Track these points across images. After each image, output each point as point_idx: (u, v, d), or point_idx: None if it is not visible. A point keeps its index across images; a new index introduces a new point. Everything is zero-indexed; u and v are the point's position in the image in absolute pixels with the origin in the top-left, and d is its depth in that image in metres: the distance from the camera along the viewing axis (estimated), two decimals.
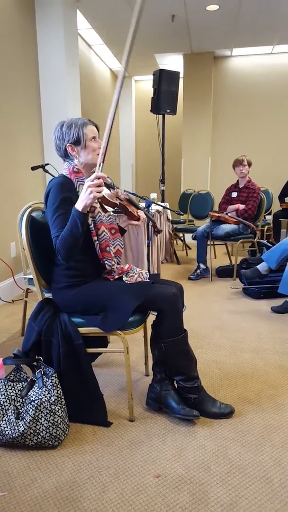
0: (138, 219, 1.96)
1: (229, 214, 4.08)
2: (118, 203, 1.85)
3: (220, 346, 2.50)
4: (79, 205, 1.52)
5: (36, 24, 3.86)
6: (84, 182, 1.71)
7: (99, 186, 1.48)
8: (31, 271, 1.88)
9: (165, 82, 4.93)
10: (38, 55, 3.93)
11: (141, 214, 1.98)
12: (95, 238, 1.75)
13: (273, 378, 2.11)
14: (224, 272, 4.22)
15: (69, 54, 3.99)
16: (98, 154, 1.70)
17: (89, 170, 1.83)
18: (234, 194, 4.27)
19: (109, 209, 1.94)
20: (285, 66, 6.02)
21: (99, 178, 1.48)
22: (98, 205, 1.78)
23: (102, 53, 5.94)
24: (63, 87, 3.96)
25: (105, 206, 1.90)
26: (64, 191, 1.67)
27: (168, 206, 4.73)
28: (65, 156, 1.79)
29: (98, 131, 1.82)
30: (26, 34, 3.71)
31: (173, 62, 6.39)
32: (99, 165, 1.53)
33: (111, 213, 1.94)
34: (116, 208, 1.88)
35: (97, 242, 1.76)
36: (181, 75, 6.36)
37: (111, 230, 1.86)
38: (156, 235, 3.13)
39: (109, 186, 1.87)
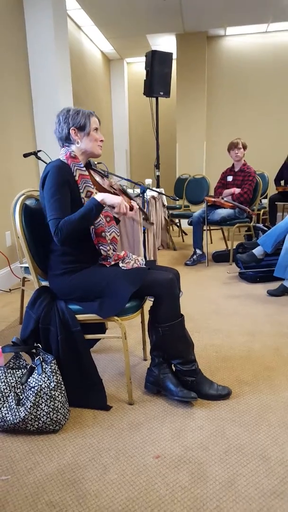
0: (131, 209, 1.97)
1: (225, 199, 4.08)
2: (112, 192, 1.86)
3: (216, 330, 2.53)
4: (100, 197, 1.64)
5: (23, 4, 3.77)
6: (80, 168, 1.76)
7: (127, 207, 1.70)
8: (26, 260, 1.88)
9: (157, 63, 4.85)
10: (27, 37, 3.84)
11: (134, 204, 1.98)
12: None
13: (269, 360, 2.14)
14: (220, 257, 4.24)
15: (59, 35, 3.91)
16: (99, 145, 1.82)
17: (86, 158, 1.84)
18: (230, 178, 4.25)
19: None
20: (280, 44, 5.93)
21: (132, 209, 1.75)
22: (94, 191, 1.78)
23: (93, 35, 5.82)
24: (53, 70, 3.89)
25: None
26: (62, 174, 1.68)
27: (163, 192, 4.71)
28: (66, 140, 1.79)
29: (99, 124, 1.85)
30: (13, 15, 3.63)
31: (165, 43, 6.28)
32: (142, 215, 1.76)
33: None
34: None
35: (93, 227, 1.77)
36: (174, 56, 6.26)
37: (106, 218, 1.86)
38: (148, 228, 3.14)
39: (103, 175, 1.88)
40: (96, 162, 1.98)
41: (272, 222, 5.41)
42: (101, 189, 1.83)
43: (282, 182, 5.52)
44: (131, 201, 1.98)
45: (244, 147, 4.14)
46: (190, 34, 5.93)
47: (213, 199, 4.08)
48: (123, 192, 1.97)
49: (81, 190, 1.75)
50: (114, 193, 1.88)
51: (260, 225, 4.16)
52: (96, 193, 1.80)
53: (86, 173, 1.79)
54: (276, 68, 6.02)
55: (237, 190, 4.11)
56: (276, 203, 5.44)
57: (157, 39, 6.10)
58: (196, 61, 6.05)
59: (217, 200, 4.06)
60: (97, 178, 1.86)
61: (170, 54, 4.96)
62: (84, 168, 1.78)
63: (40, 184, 1.74)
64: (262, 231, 3.96)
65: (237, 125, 6.36)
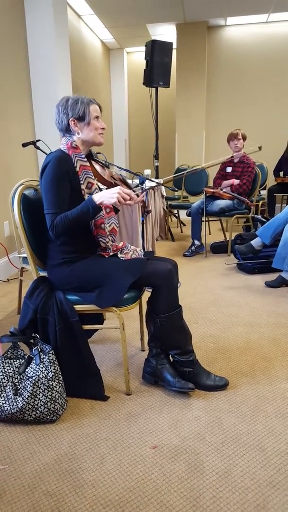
0: (130, 198, 1.95)
1: (223, 190, 4.06)
2: (113, 182, 1.85)
3: (214, 321, 2.53)
4: (97, 198, 1.59)
5: None
6: (82, 158, 1.73)
7: (125, 198, 1.61)
8: (25, 250, 1.87)
9: (157, 53, 4.79)
10: (26, 25, 3.79)
11: (135, 196, 1.97)
12: None
13: (266, 351, 2.15)
14: (218, 248, 4.23)
15: (58, 24, 3.85)
16: (100, 134, 1.78)
17: (87, 148, 1.82)
18: (229, 169, 4.23)
19: (104, 187, 1.93)
20: (281, 35, 5.86)
21: (130, 198, 1.63)
22: (95, 182, 1.77)
23: (93, 24, 5.74)
24: (52, 59, 3.84)
25: (101, 186, 1.89)
26: (62, 166, 1.66)
27: (162, 182, 4.68)
28: (66, 130, 1.76)
29: (100, 111, 1.81)
30: (13, 4, 3.57)
31: (165, 32, 6.20)
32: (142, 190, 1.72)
33: None
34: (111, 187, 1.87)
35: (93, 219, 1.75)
36: (174, 46, 6.19)
37: (105, 209, 1.84)
38: (145, 216, 3.13)
39: (104, 165, 1.86)
40: (96, 152, 1.95)
41: (271, 214, 5.40)
42: (102, 180, 1.82)
43: (281, 174, 5.50)
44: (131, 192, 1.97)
45: (244, 138, 4.11)
46: (190, 23, 5.86)
47: (212, 190, 4.06)
48: (123, 182, 1.96)
49: (82, 181, 1.73)
50: (115, 184, 1.87)
51: (259, 216, 4.14)
52: (97, 184, 1.78)
53: (87, 163, 1.76)
54: (276, 59, 5.96)
55: (236, 181, 4.09)
56: (275, 194, 5.42)
57: (157, 28, 6.02)
58: (196, 51, 5.98)
59: (216, 191, 4.04)
60: (98, 168, 1.84)
61: (170, 44, 4.89)
62: (86, 159, 1.76)
63: (40, 174, 1.72)
64: (260, 223, 3.95)
65: (236, 115, 6.31)
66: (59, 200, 1.64)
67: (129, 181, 2.04)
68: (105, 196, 1.59)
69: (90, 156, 1.87)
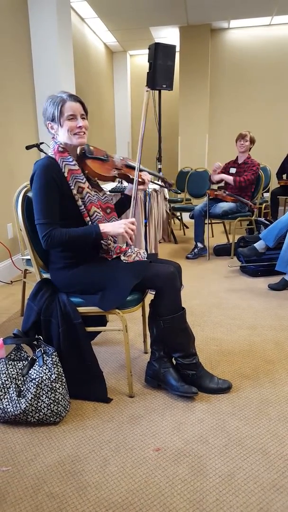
0: (143, 182, 1.93)
1: (226, 193, 4.06)
2: (116, 174, 1.81)
3: (217, 324, 2.53)
4: (103, 227, 1.62)
5: None
6: (69, 162, 1.68)
7: (129, 233, 1.64)
8: (28, 252, 1.87)
9: (161, 56, 4.79)
10: (30, 28, 3.81)
11: (145, 176, 1.94)
12: (88, 219, 1.72)
13: (269, 354, 2.14)
14: (221, 251, 4.23)
15: (62, 27, 3.87)
16: (76, 134, 1.68)
17: (73, 151, 1.75)
18: (233, 170, 4.22)
19: (105, 188, 1.92)
20: (284, 37, 5.87)
21: (133, 223, 1.67)
22: (86, 185, 1.73)
23: (96, 27, 5.76)
24: (56, 62, 3.86)
25: (102, 186, 1.87)
26: (48, 174, 1.63)
27: (172, 188, 4.68)
28: (50, 133, 1.75)
29: (84, 108, 1.71)
30: (17, 7, 3.59)
31: (169, 35, 6.22)
32: (133, 199, 1.74)
33: (107, 192, 1.91)
34: (118, 178, 1.86)
35: (90, 222, 1.73)
36: (177, 49, 6.20)
37: (106, 210, 1.83)
38: (169, 189, 3.09)
39: (103, 160, 1.81)
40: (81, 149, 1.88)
41: (274, 216, 5.39)
42: (103, 178, 1.78)
43: (284, 176, 5.49)
44: (142, 173, 1.94)
45: (252, 141, 4.10)
46: (193, 26, 5.87)
47: (215, 192, 4.06)
48: (129, 168, 1.90)
49: (72, 187, 1.68)
50: (119, 174, 1.83)
51: (262, 219, 4.14)
52: (88, 187, 1.73)
53: (76, 167, 1.70)
54: (280, 62, 5.96)
55: (225, 176, 4.08)
56: (278, 197, 5.41)
57: (160, 31, 6.04)
58: (199, 54, 5.99)
59: (219, 194, 4.04)
60: (95, 166, 1.75)
61: (173, 47, 4.90)
62: (74, 163, 1.70)
63: (30, 183, 1.70)
64: (264, 225, 3.94)
65: (239, 118, 6.31)
66: (49, 209, 1.61)
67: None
68: (111, 227, 1.63)
69: (84, 157, 1.77)
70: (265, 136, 6.24)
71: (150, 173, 1.98)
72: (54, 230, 1.61)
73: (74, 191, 1.69)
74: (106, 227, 1.63)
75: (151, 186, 3.76)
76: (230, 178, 4.06)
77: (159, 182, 2.11)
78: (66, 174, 1.68)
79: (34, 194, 1.64)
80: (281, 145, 6.15)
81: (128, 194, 1.99)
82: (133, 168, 1.90)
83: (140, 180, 1.90)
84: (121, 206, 2.00)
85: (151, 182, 2.07)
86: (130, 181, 1.90)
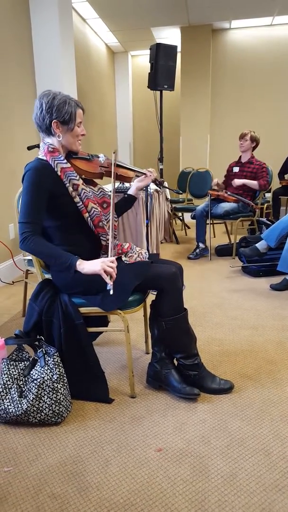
0: (130, 179, 1.94)
1: (228, 193, 4.05)
2: (104, 171, 1.82)
3: (219, 324, 2.53)
4: (83, 266, 1.58)
5: None
6: (61, 161, 1.68)
7: (110, 266, 1.57)
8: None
9: (162, 56, 4.80)
10: (32, 29, 3.81)
11: (148, 172, 1.96)
12: (87, 215, 1.72)
13: (271, 354, 2.14)
14: (223, 251, 4.22)
15: (64, 28, 3.87)
16: (79, 140, 1.73)
17: (66, 151, 1.77)
18: (236, 169, 4.21)
19: (107, 188, 1.92)
20: (286, 38, 5.86)
21: (113, 262, 1.59)
22: (81, 182, 1.72)
23: (97, 28, 5.77)
24: (57, 62, 3.86)
25: (95, 180, 1.87)
26: (38, 176, 1.62)
27: (166, 185, 4.68)
28: (46, 130, 1.70)
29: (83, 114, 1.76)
30: (18, 8, 3.60)
31: (170, 36, 6.22)
32: (111, 250, 1.66)
33: (103, 187, 1.90)
34: (106, 177, 1.86)
35: (89, 218, 1.73)
36: (179, 49, 6.20)
37: (102, 204, 1.83)
38: (160, 187, 3.10)
39: (87, 159, 1.81)
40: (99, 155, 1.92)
41: (276, 216, 5.38)
42: (90, 175, 1.78)
43: (286, 176, 5.49)
44: (148, 170, 1.96)
45: (252, 140, 4.09)
46: (194, 27, 5.87)
47: (216, 193, 4.06)
48: (118, 166, 1.91)
49: (67, 184, 1.68)
50: (106, 172, 1.84)
51: (264, 219, 4.13)
52: (82, 184, 1.73)
53: (68, 165, 1.70)
54: (281, 61, 5.96)
55: (245, 181, 4.03)
56: (279, 197, 5.40)
57: (161, 32, 6.04)
58: (201, 54, 5.99)
59: (221, 194, 4.03)
60: (81, 164, 1.76)
61: (175, 47, 4.90)
62: (65, 161, 1.70)
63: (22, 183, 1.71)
64: (265, 225, 3.94)
65: (241, 118, 6.31)
66: (34, 210, 1.60)
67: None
68: (89, 264, 1.58)
69: (69, 155, 1.78)
70: (267, 136, 6.22)
71: (133, 170, 1.97)
72: (37, 236, 1.58)
73: (70, 189, 1.69)
74: (83, 263, 1.58)
75: (152, 187, 3.76)
76: (254, 183, 4.01)
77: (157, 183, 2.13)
78: (59, 173, 1.67)
79: (22, 194, 1.63)
80: (283, 145, 6.14)
81: (132, 195, 1.99)
82: (119, 166, 1.91)
83: (129, 177, 1.91)
84: (123, 206, 2.00)
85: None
86: (121, 178, 1.91)
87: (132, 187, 1.99)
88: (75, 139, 1.72)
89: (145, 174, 1.97)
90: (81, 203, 1.71)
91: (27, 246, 1.57)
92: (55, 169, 1.67)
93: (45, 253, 1.59)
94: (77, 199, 1.70)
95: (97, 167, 1.81)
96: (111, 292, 1.56)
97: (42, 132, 1.72)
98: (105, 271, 1.56)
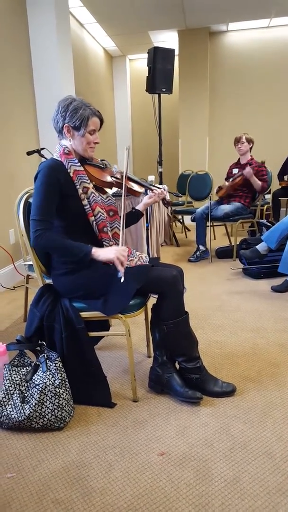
0: (139, 194, 1.96)
1: (230, 179, 4.07)
2: (114, 181, 1.83)
3: (221, 326, 2.53)
4: (98, 253, 1.60)
5: (26, 2, 3.76)
6: (75, 163, 1.71)
7: (121, 259, 1.60)
8: (30, 258, 1.88)
9: (160, 60, 4.82)
10: (30, 34, 3.83)
11: (158, 190, 1.98)
12: (92, 218, 1.73)
13: (273, 356, 2.13)
14: (223, 253, 4.23)
15: (61, 33, 3.89)
16: (90, 147, 1.76)
17: (78, 156, 1.79)
18: (236, 171, 4.23)
19: (109, 191, 1.93)
20: (283, 39, 5.88)
21: (124, 251, 1.64)
22: (91, 186, 1.75)
23: (95, 32, 5.80)
24: (56, 67, 3.88)
25: (105, 188, 1.88)
26: (52, 174, 1.65)
27: (166, 188, 4.69)
28: (60, 132, 1.75)
29: (101, 124, 1.78)
30: (16, 13, 3.62)
31: (168, 39, 6.25)
32: (122, 239, 1.71)
33: (111, 195, 1.92)
34: (116, 188, 1.87)
35: (95, 222, 1.74)
36: (176, 52, 6.22)
37: (109, 212, 1.84)
38: (167, 207, 3.15)
39: (101, 167, 1.83)
40: (99, 160, 1.94)
41: (276, 218, 5.38)
42: (100, 183, 1.79)
43: (286, 177, 5.49)
44: (159, 187, 1.98)
45: (249, 141, 4.11)
46: (192, 30, 5.90)
47: (223, 192, 4.08)
48: (129, 179, 1.93)
49: (78, 186, 1.71)
50: (117, 183, 1.85)
51: (264, 220, 4.13)
52: (93, 188, 1.76)
53: (81, 168, 1.74)
54: (279, 63, 5.98)
55: (254, 177, 4.05)
56: (279, 198, 5.41)
57: (159, 35, 6.07)
58: (199, 57, 6.02)
59: (226, 188, 4.06)
60: (94, 171, 1.79)
61: (172, 51, 4.93)
62: (79, 164, 1.73)
63: (34, 182, 1.72)
64: (265, 227, 3.94)
65: (239, 121, 6.33)
66: (46, 207, 1.62)
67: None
68: (103, 251, 1.62)
69: (83, 162, 1.81)
70: (265, 138, 6.24)
71: (144, 186, 2.00)
72: (48, 232, 1.60)
73: (80, 191, 1.71)
74: (98, 251, 1.62)
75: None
76: (258, 182, 4.02)
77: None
78: (72, 174, 1.70)
79: (35, 191, 1.65)
80: (282, 146, 6.15)
81: (139, 210, 2.01)
82: (131, 179, 1.93)
83: (138, 192, 1.94)
84: (129, 220, 2.01)
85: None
86: (129, 191, 1.92)
87: (141, 204, 2.03)
88: (86, 146, 1.74)
89: (153, 191, 2.00)
90: (88, 206, 1.72)
91: (40, 243, 1.60)
92: (68, 170, 1.70)
93: (59, 247, 1.62)
94: (85, 202, 1.72)
95: (109, 177, 1.84)
96: (122, 279, 1.60)
97: (58, 133, 1.77)
98: (118, 259, 1.60)
